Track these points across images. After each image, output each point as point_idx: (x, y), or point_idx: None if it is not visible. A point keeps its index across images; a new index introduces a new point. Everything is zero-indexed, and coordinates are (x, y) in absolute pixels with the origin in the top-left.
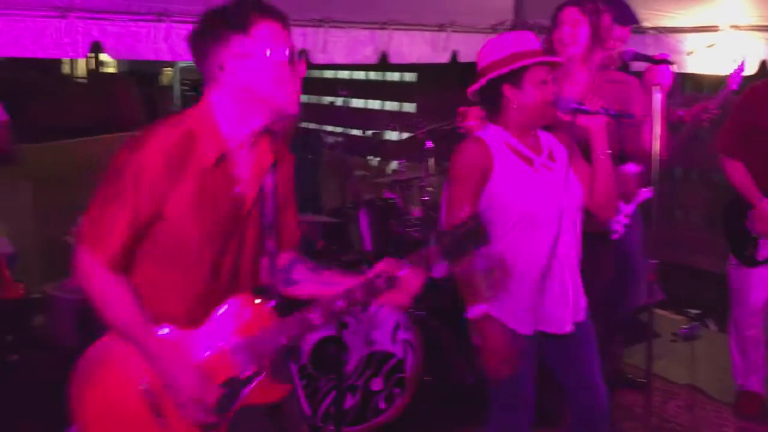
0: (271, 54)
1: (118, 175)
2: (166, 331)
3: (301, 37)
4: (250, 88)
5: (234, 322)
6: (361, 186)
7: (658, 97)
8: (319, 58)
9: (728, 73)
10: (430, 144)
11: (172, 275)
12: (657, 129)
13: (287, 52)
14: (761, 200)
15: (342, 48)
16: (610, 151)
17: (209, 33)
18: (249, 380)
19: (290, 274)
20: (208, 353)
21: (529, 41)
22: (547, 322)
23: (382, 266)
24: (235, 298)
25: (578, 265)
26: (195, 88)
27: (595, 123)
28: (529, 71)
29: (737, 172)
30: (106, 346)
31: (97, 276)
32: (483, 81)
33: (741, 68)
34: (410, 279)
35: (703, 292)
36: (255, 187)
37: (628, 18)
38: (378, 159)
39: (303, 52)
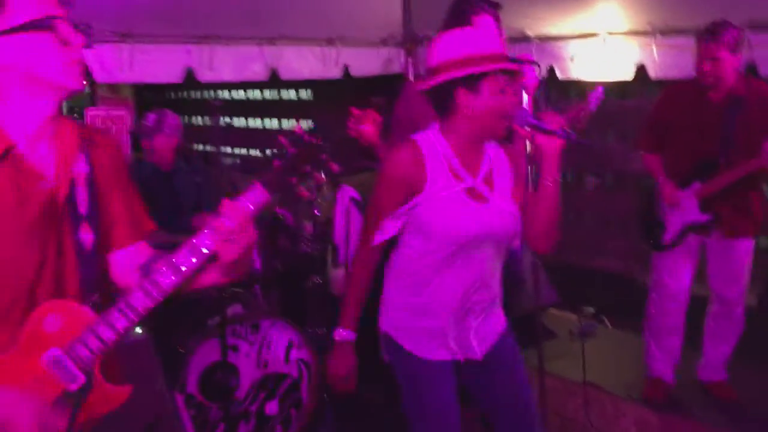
0: (32, 29)
1: None
2: None
3: (185, 54)
4: (16, 67)
5: (51, 332)
6: None
7: (525, 99)
8: (206, 76)
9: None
10: (324, 157)
11: None
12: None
13: (53, 23)
14: (665, 181)
15: (229, 65)
16: (559, 178)
17: None
18: (81, 391)
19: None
20: (27, 374)
21: (493, 41)
22: (464, 350)
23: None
24: (47, 306)
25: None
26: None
27: (552, 145)
28: (489, 77)
29: (651, 163)
30: None
31: None
32: (437, 80)
33: (599, 92)
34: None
35: (599, 292)
36: (65, 181)
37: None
38: None
39: (85, 28)
